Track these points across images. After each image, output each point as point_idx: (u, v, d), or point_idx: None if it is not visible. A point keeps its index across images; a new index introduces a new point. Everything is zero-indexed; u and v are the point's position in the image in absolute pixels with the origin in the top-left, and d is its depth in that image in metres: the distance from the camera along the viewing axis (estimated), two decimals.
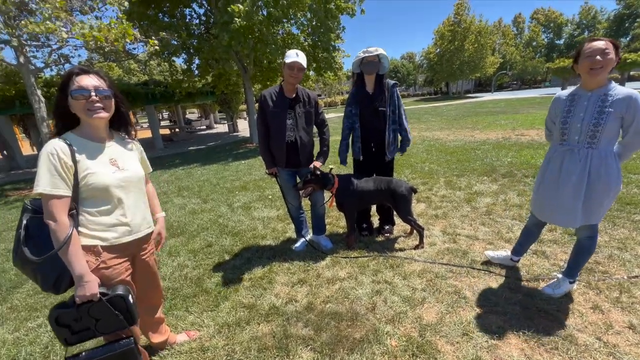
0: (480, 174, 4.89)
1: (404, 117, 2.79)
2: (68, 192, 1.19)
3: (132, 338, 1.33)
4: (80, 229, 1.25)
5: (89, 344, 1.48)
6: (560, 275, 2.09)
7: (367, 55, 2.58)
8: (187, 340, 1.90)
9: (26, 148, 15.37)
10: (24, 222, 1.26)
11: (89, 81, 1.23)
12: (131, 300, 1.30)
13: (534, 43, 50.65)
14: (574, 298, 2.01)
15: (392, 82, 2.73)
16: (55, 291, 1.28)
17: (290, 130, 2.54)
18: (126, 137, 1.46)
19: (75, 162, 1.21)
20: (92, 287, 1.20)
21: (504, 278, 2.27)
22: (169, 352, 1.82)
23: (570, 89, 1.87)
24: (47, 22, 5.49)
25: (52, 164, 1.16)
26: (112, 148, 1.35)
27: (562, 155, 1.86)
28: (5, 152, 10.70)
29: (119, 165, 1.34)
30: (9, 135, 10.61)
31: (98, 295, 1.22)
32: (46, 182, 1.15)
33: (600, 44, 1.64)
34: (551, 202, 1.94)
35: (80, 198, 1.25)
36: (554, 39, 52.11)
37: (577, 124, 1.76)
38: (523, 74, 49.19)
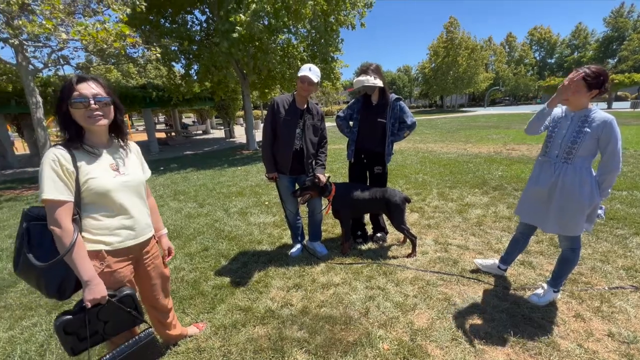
0: (472, 186, 5.02)
1: (408, 119, 2.85)
2: (71, 198, 1.20)
3: (151, 329, 1.36)
4: (84, 234, 1.26)
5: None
6: (545, 285, 2.18)
7: (363, 83, 2.67)
8: (196, 332, 1.98)
9: (20, 148, 15.19)
10: (24, 229, 1.24)
11: (87, 89, 1.23)
12: (138, 298, 1.34)
13: (526, 60, 52.28)
14: (558, 307, 2.10)
15: (395, 96, 2.86)
16: (60, 297, 1.27)
17: (297, 139, 2.64)
18: (121, 142, 1.45)
19: (76, 167, 1.22)
20: (101, 289, 1.22)
21: (492, 286, 2.35)
22: (169, 352, 1.85)
23: (564, 107, 2.01)
24: (45, 22, 5.51)
25: (54, 170, 1.17)
26: (111, 153, 1.36)
27: (540, 165, 2.05)
28: None
29: (120, 170, 1.35)
30: (1, 134, 10.50)
31: (107, 297, 1.24)
32: (49, 188, 1.15)
33: (570, 75, 1.81)
34: (528, 202, 2.14)
35: (83, 203, 1.26)
36: (546, 57, 53.88)
37: (559, 140, 1.92)
38: (515, 90, 50.57)
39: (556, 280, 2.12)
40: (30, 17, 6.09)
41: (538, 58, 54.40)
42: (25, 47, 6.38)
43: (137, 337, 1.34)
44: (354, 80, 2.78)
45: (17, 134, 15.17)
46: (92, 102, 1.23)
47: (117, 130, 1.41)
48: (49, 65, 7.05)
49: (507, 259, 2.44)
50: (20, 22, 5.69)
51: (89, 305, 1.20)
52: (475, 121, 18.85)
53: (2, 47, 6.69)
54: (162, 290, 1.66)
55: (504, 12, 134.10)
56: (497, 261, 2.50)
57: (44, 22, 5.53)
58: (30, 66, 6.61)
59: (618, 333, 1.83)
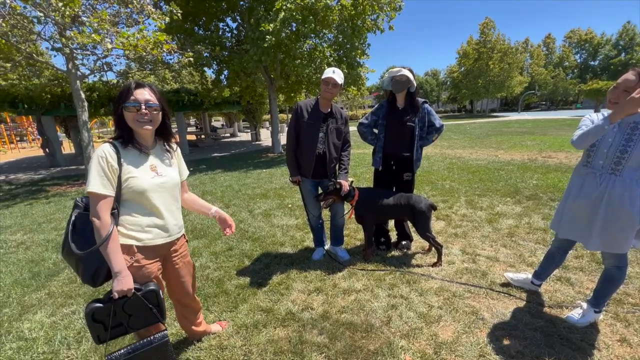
0: (503, 194, 4.78)
1: (436, 121, 2.81)
2: (112, 193, 1.29)
3: (166, 332, 1.41)
4: (118, 227, 1.34)
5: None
6: (585, 304, 2.02)
7: (395, 75, 2.67)
8: (219, 330, 2.04)
9: (66, 147, 16.52)
10: (73, 217, 1.36)
11: (141, 95, 1.33)
12: (162, 296, 1.39)
13: (566, 63, 49.13)
14: (600, 329, 1.93)
15: (422, 99, 2.80)
16: (93, 284, 1.37)
17: (320, 143, 2.65)
18: (166, 145, 1.54)
19: (120, 165, 1.31)
20: (129, 282, 1.29)
21: (524, 302, 2.21)
22: (192, 347, 1.91)
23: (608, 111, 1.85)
24: (94, 34, 6.00)
25: (101, 166, 1.27)
26: (153, 155, 1.45)
27: (583, 177, 1.87)
28: (47, 149, 11.53)
29: (158, 171, 1.43)
30: (51, 135, 11.47)
31: (133, 290, 1.30)
32: (95, 182, 1.25)
33: (627, 75, 1.64)
34: (568, 218, 1.96)
35: (122, 199, 1.35)
36: (588, 60, 50.36)
37: (604, 149, 1.76)
38: (554, 95, 47.60)
39: (598, 299, 1.95)
40: (80, 28, 6.66)
41: (579, 60, 50.96)
42: (74, 55, 6.96)
43: (151, 338, 1.38)
44: (388, 71, 2.76)
45: (64, 134, 16.54)
46: (143, 107, 1.33)
47: (164, 132, 1.51)
48: (95, 71, 7.63)
49: (541, 273, 2.29)
50: (72, 33, 6.23)
51: (116, 295, 1.27)
52: (507, 127, 17.97)
53: (55, 56, 7.35)
54: (188, 287, 1.72)
55: (542, 12, 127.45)
56: (530, 275, 2.35)
57: (92, 34, 6.02)
58: (79, 72, 7.19)
59: None
